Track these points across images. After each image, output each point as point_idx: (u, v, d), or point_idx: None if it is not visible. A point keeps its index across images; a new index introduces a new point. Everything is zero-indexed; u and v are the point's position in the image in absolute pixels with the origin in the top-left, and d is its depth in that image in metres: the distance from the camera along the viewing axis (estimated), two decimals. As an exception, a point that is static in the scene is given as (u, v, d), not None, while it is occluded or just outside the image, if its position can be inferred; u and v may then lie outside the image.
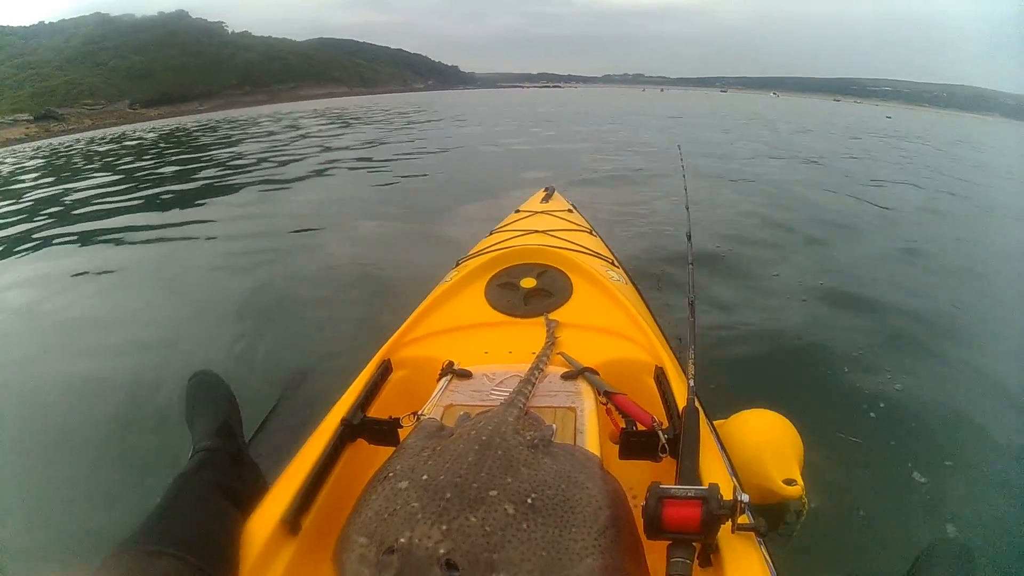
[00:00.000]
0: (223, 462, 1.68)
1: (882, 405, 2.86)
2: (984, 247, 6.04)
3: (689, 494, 1.05)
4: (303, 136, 20.05)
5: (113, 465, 2.59)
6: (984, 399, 3.00)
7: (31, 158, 22.63)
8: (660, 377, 1.74)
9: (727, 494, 1.06)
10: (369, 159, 12.54)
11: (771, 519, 1.22)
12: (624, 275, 2.70)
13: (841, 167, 11.71)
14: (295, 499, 1.34)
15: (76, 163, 18.10)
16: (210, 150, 17.89)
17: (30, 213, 9.20)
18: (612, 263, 2.76)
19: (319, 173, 10.96)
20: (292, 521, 1.30)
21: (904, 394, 2.97)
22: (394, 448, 1.41)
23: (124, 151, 20.24)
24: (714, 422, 1.70)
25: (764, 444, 1.77)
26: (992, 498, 2.33)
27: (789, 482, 1.66)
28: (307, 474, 1.42)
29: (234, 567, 1.20)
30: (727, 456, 1.48)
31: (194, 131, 27.63)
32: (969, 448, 2.60)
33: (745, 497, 1.04)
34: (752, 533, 1.12)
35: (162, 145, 21.35)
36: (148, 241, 6.58)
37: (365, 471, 1.48)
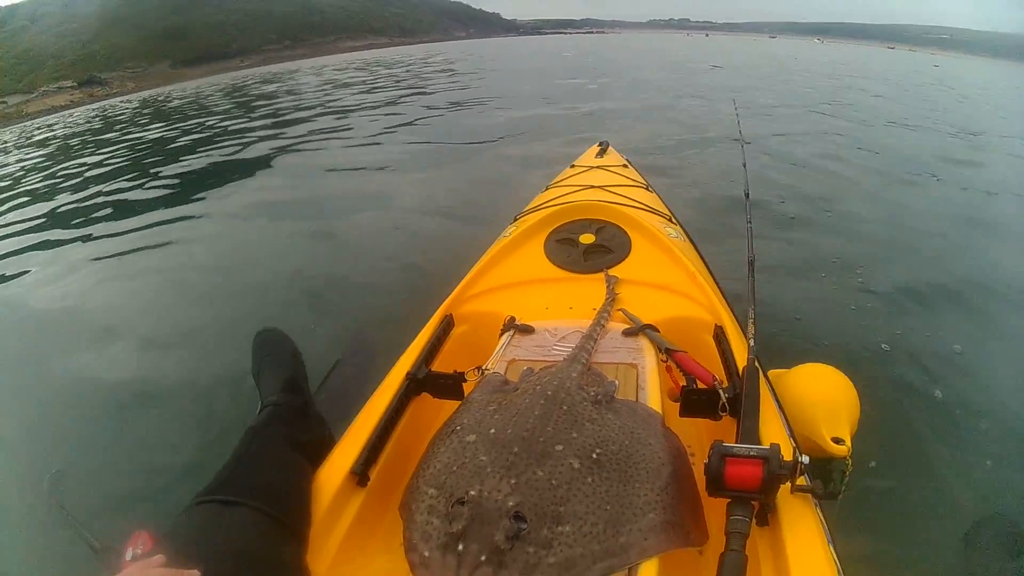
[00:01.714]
0: (291, 415, 1.73)
1: (952, 375, 2.76)
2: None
3: (751, 453, 1.07)
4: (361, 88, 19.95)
5: (187, 420, 2.70)
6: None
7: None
8: (720, 336, 1.74)
9: (787, 455, 1.08)
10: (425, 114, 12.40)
11: (815, 474, 1.22)
12: (682, 232, 2.67)
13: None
14: (363, 452, 1.39)
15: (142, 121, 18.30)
16: (273, 103, 18.01)
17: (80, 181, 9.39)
18: (670, 219, 2.74)
19: (384, 128, 10.87)
20: (360, 473, 1.35)
21: (975, 361, 2.87)
22: (458, 402, 1.44)
23: (195, 109, 20.36)
24: (769, 372, 1.70)
25: (818, 399, 1.75)
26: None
27: (837, 440, 1.65)
28: (374, 427, 1.46)
29: (306, 516, 1.26)
30: (786, 418, 1.49)
31: (249, 86, 27.72)
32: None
33: (805, 459, 1.06)
34: (809, 495, 1.12)
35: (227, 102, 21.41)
36: (213, 201, 6.70)
37: (429, 424, 1.53)
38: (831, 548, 1.08)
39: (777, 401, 1.51)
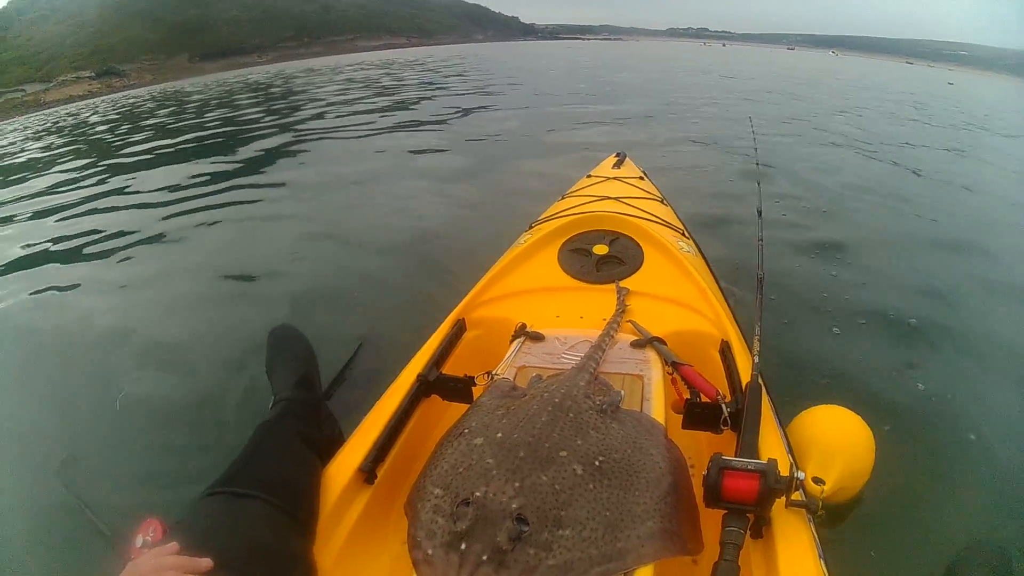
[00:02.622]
0: (303, 411, 1.77)
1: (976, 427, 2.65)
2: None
3: (749, 467, 1.10)
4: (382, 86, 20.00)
5: (201, 413, 2.73)
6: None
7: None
8: (725, 351, 1.77)
9: (784, 470, 1.11)
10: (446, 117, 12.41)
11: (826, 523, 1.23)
12: (694, 246, 2.70)
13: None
14: (372, 450, 1.43)
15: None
16: (292, 101, 18.09)
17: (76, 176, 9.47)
18: (683, 234, 2.77)
19: (399, 127, 10.96)
20: (369, 471, 1.39)
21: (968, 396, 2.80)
22: (467, 405, 1.48)
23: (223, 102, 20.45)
24: (791, 415, 1.72)
25: (820, 436, 1.69)
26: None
27: (817, 480, 1.57)
28: (383, 426, 1.50)
29: (314, 510, 1.30)
30: (785, 434, 1.51)
31: (271, 83, 27.77)
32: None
33: (801, 475, 1.10)
34: (803, 510, 1.15)
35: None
36: (225, 203, 6.69)
37: (437, 426, 1.57)
38: (822, 563, 1.11)
39: (777, 416, 1.54)
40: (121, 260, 5.06)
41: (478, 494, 1.03)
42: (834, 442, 1.69)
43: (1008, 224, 5.77)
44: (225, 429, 2.53)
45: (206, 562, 0.96)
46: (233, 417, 2.61)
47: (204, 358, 3.18)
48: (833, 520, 1.73)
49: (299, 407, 1.80)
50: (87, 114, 22.88)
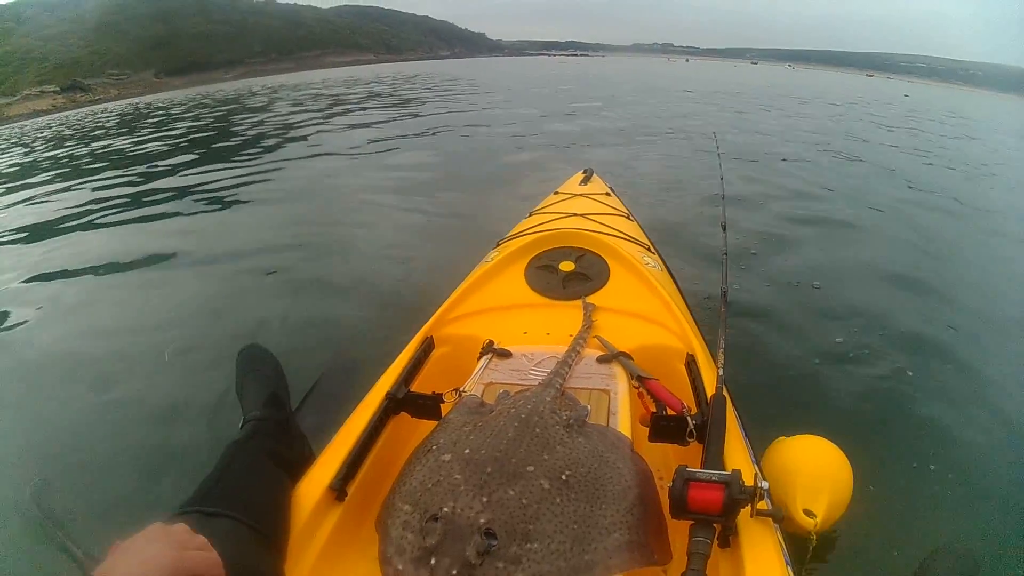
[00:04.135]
0: (272, 430, 1.77)
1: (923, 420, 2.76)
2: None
3: (713, 478, 1.12)
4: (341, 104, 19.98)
5: (170, 435, 2.69)
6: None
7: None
8: (691, 364, 1.79)
9: (748, 480, 1.13)
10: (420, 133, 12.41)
11: (785, 540, 1.24)
12: (660, 261, 2.73)
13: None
14: (342, 468, 1.42)
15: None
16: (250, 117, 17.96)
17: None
18: (648, 249, 2.80)
19: (372, 144, 10.94)
20: (339, 488, 1.39)
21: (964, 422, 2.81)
22: (435, 422, 1.48)
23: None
24: (772, 442, 1.77)
25: (804, 467, 1.73)
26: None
27: (808, 513, 1.62)
28: (353, 444, 1.50)
29: (285, 528, 1.29)
30: (751, 445, 1.54)
31: (241, 98, 27.53)
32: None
33: (765, 484, 1.11)
34: (770, 519, 1.17)
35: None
36: (190, 220, 6.65)
37: (407, 443, 1.57)
38: (789, 570, 1.13)
39: (743, 427, 1.56)
40: (81, 278, 4.99)
41: (446, 509, 1.04)
42: (817, 473, 1.73)
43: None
44: (196, 450, 2.49)
45: (203, 541, 0.93)
46: (204, 437, 2.57)
47: (173, 379, 3.14)
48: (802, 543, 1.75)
49: (269, 426, 1.79)
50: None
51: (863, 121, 16.38)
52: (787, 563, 1.15)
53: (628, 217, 3.27)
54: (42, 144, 17.19)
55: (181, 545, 0.87)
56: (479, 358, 1.81)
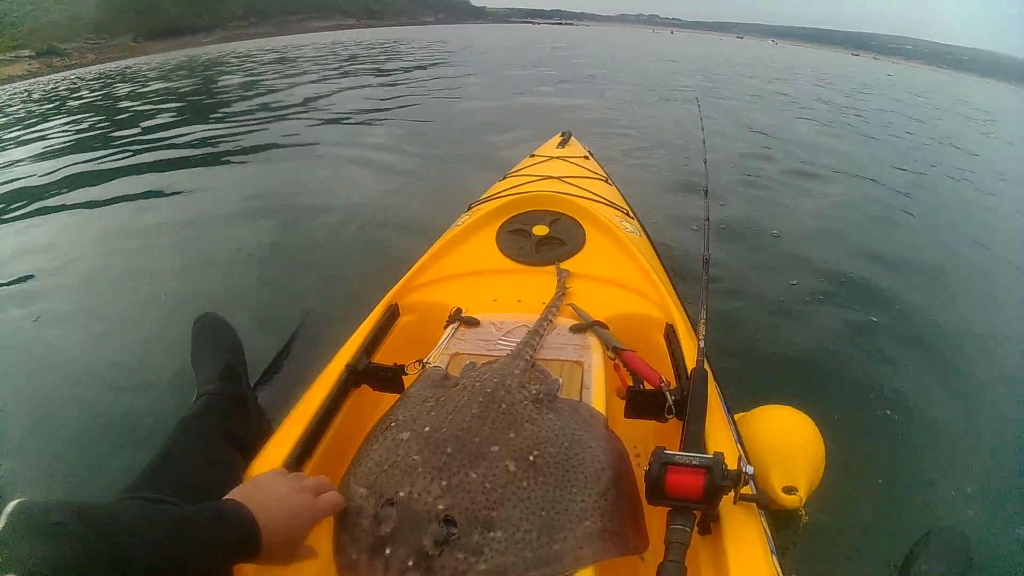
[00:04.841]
0: (226, 406, 1.68)
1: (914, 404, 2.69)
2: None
3: (693, 462, 1.03)
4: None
5: (121, 410, 2.57)
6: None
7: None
8: (670, 335, 1.70)
9: (732, 463, 1.05)
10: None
11: (776, 518, 1.18)
12: (639, 227, 2.65)
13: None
14: (297, 445, 1.32)
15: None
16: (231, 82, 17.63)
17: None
18: (627, 214, 2.71)
19: (331, 113, 10.73)
20: (293, 467, 1.28)
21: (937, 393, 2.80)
22: (398, 395, 1.40)
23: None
24: (734, 416, 1.65)
25: (774, 444, 1.65)
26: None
27: (788, 490, 1.56)
28: (310, 420, 1.40)
29: None
30: (734, 423, 1.46)
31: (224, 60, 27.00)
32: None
33: (750, 469, 1.03)
34: (754, 504, 1.10)
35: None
36: (146, 186, 6.34)
37: (369, 418, 1.47)
38: (774, 559, 1.06)
39: (725, 404, 1.48)
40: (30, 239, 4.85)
41: (402, 494, 0.97)
42: (792, 447, 1.65)
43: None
44: (149, 427, 2.38)
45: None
46: (158, 413, 2.45)
47: (125, 349, 3.01)
48: (783, 521, 1.68)
49: (222, 401, 1.70)
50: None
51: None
52: (772, 551, 1.07)
53: (606, 181, 3.19)
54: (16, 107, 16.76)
55: (315, 490, 0.98)
56: (445, 327, 1.72)
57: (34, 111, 14.89)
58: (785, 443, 1.66)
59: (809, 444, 1.69)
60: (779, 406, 1.80)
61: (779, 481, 1.56)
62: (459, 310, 1.75)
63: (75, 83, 22.21)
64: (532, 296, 1.87)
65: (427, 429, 1.12)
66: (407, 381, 1.52)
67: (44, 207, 5.70)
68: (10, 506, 0.65)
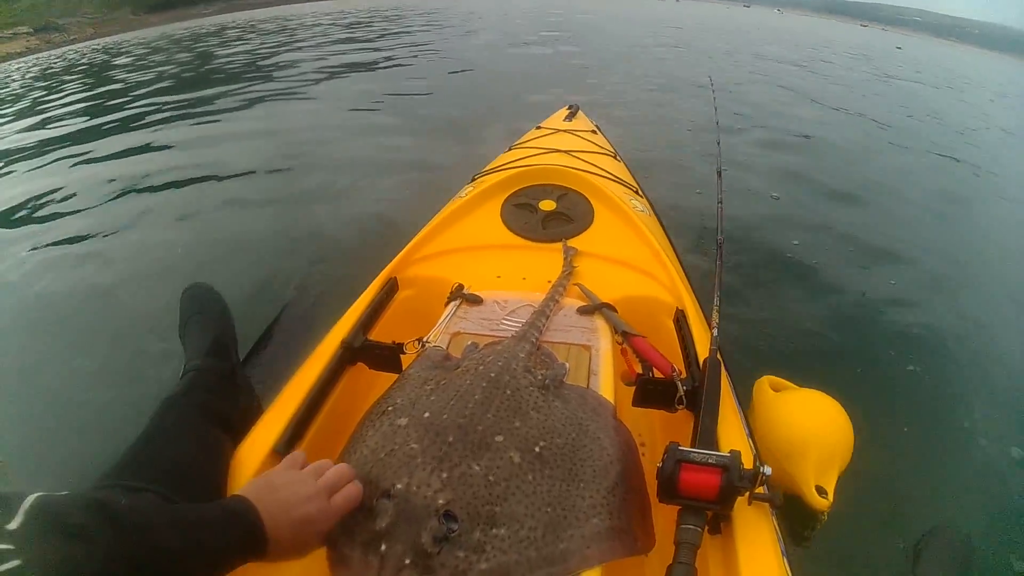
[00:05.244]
0: (213, 383, 1.61)
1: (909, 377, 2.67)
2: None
3: (710, 460, 0.99)
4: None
5: (107, 385, 2.50)
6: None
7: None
8: (681, 321, 1.64)
9: (747, 463, 1.00)
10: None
11: (786, 513, 1.12)
12: (648, 206, 2.57)
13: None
14: (288, 427, 1.26)
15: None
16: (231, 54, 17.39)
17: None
18: (636, 192, 2.64)
19: (334, 75, 10.62)
20: (284, 451, 1.22)
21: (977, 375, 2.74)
22: (396, 375, 1.34)
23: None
24: (766, 379, 1.63)
25: (814, 437, 1.57)
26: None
27: (820, 491, 1.49)
28: (302, 400, 1.34)
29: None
30: (746, 419, 1.40)
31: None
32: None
33: (768, 470, 0.98)
34: (767, 505, 1.04)
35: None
36: (147, 156, 6.27)
37: (365, 398, 1.41)
38: (785, 561, 1.01)
39: (737, 397, 1.42)
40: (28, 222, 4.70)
41: (399, 486, 0.91)
42: (829, 442, 1.58)
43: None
44: (134, 404, 2.28)
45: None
46: (145, 392, 2.33)
47: (114, 324, 2.92)
48: (796, 519, 1.62)
49: (210, 378, 1.63)
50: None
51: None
52: (783, 553, 1.03)
53: (615, 157, 3.11)
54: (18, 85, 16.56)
55: (330, 491, 0.90)
56: (447, 304, 1.66)
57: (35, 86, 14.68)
58: (824, 438, 1.59)
59: (844, 440, 1.62)
60: (816, 392, 1.73)
61: (815, 478, 1.50)
62: (461, 286, 1.69)
63: (73, 59, 21.84)
64: (537, 274, 1.80)
65: (427, 415, 1.06)
66: (405, 360, 1.45)
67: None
68: (28, 501, 0.64)
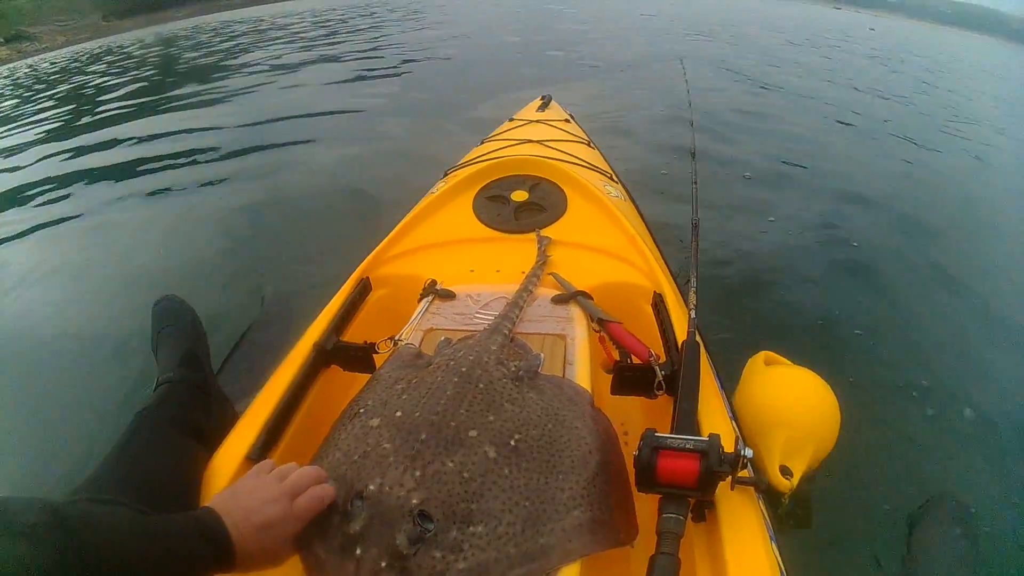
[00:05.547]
0: (187, 395, 1.58)
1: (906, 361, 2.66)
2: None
3: (687, 446, 0.96)
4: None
5: (78, 401, 2.47)
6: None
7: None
8: (659, 305, 1.62)
9: (728, 446, 0.97)
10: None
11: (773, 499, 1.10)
12: (623, 191, 2.56)
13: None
14: (261, 434, 1.24)
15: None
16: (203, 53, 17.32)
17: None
18: (611, 178, 2.61)
19: (304, 70, 10.61)
20: (257, 457, 1.20)
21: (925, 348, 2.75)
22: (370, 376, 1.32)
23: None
24: (762, 356, 1.62)
25: (785, 415, 1.52)
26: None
27: (785, 471, 1.44)
28: (275, 406, 1.31)
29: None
30: (728, 400, 1.38)
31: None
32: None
33: (749, 452, 0.96)
34: (751, 488, 1.02)
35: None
36: (109, 161, 6.27)
37: (340, 401, 1.38)
38: (773, 546, 1.00)
39: (718, 378, 1.40)
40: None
41: (372, 487, 0.89)
42: (804, 422, 1.54)
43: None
44: (106, 420, 2.28)
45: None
46: (114, 407, 2.36)
47: (81, 339, 2.88)
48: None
49: (182, 390, 1.60)
50: None
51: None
52: (771, 538, 1.01)
53: (588, 144, 3.09)
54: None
55: (292, 494, 0.89)
56: (419, 300, 1.63)
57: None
58: (800, 418, 1.54)
59: (826, 422, 1.58)
60: (804, 371, 1.69)
61: (780, 457, 1.46)
62: (434, 282, 1.67)
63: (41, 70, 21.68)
64: (511, 266, 1.78)
65: (399, 414, 1.04)
66: (379, 360, 1.43)
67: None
68: None
